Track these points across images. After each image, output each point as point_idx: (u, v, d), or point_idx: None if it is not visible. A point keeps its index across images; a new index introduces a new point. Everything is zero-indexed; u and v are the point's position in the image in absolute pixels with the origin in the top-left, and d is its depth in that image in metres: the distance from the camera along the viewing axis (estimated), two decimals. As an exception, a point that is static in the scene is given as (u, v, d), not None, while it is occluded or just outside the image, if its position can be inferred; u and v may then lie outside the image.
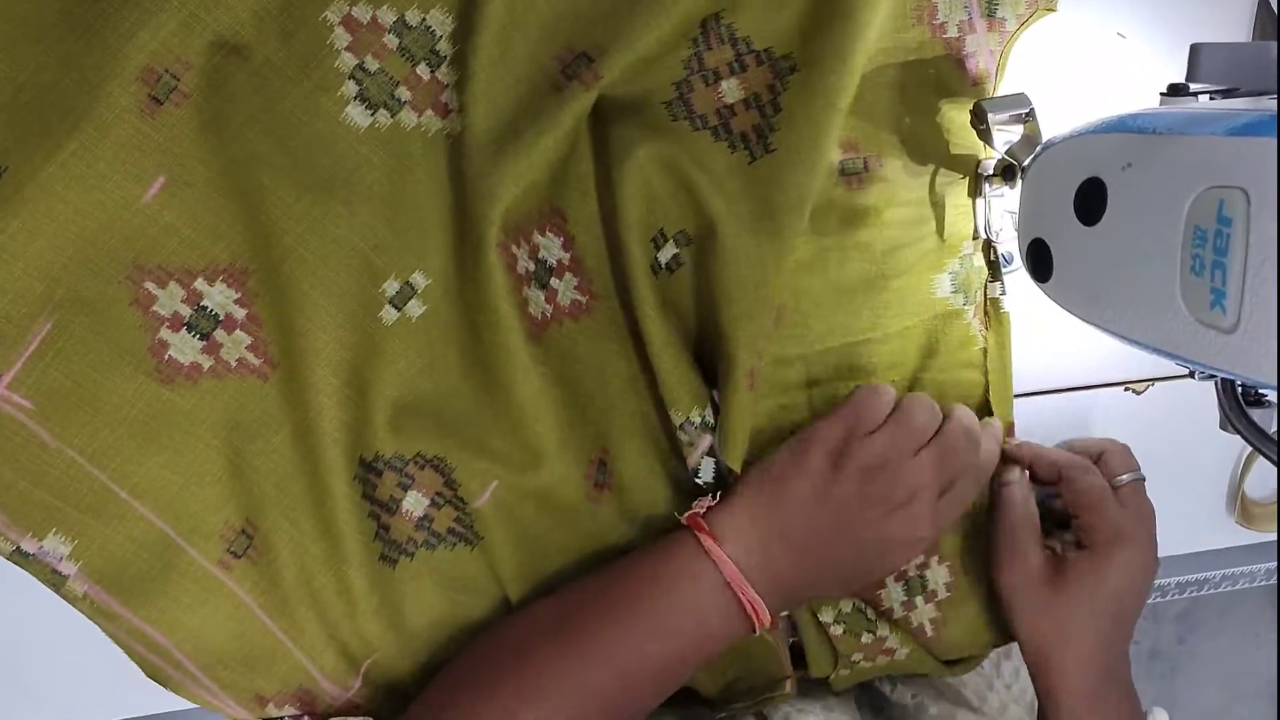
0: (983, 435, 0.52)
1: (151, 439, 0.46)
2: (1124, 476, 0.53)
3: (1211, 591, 0.68)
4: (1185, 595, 0.68)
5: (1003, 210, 0.53)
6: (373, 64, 0.46)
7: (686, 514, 0.50)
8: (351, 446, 0.48)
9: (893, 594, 0.56)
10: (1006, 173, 0.51)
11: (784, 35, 0.49)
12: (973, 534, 0.56)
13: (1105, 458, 0.54)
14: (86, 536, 0.46)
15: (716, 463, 0.51)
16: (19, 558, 0.45)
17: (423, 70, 0.47)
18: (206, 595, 0.48)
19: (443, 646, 0.52)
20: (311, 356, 0.47)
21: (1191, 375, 0.45)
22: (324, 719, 0.52)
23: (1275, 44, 0.42)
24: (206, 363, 0.46)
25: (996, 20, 0.51)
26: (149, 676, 0.49)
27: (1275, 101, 0.39)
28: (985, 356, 0.55)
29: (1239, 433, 0.43)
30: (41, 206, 0.42)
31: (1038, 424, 0.57)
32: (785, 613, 0.56)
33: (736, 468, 0.50)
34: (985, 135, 0.49)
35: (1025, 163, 0.48)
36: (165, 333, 0.45)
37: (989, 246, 0.54)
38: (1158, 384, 0.60)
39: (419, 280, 0.48)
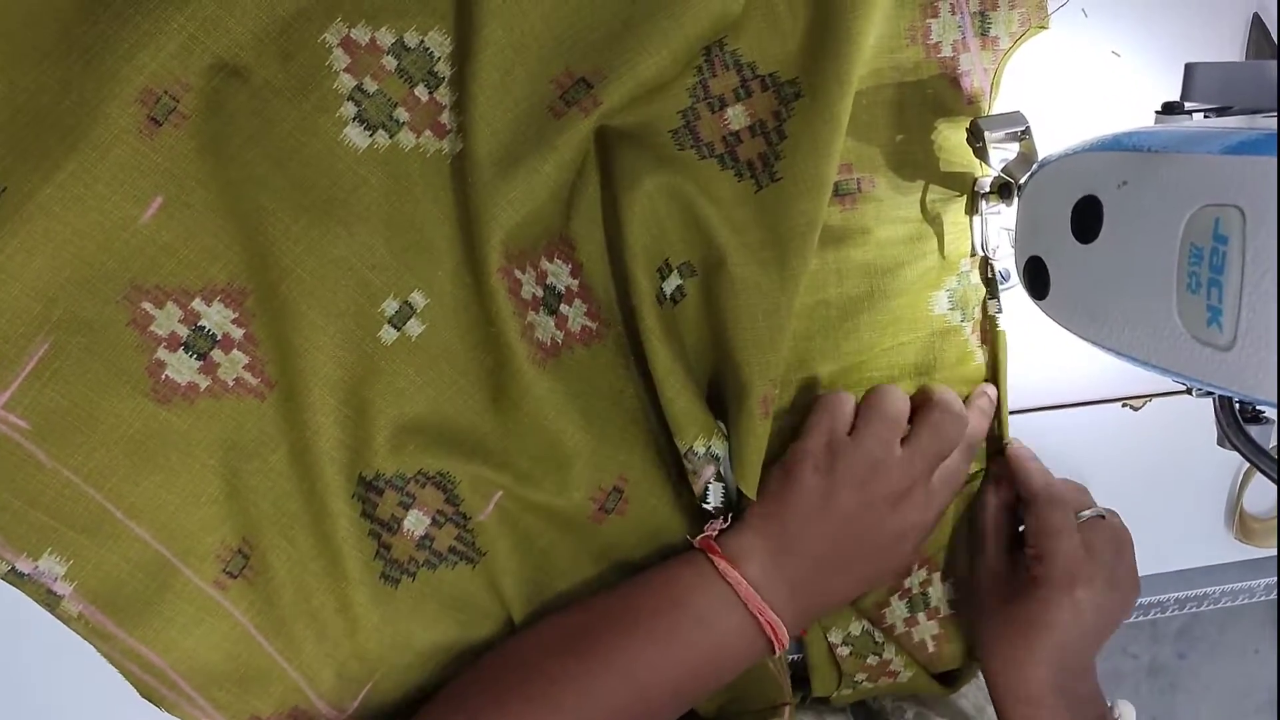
0: (971, 408, 0.53)
1: (148, 459, 0.46)
2: (1084, 514, 0.53)
3: (1211, 607, 0.68)
4: (1185, 611, 0.67)
5: (999, 228, 0.53)
6: (371, 85, 0.46)
7: (699, 537, 0.50)
8: (350, 465, 0.48)
9: (896, 610, 0.56)
10: (1003, 190, 0.51)
11: (788, 59, 0.49)
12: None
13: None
14: (82, 557, 0.45)
15: (725, 489, 0.51)
16: (14, 578, 0.45)
17: (421, 91, 0.47)
18: (202, 616, 0.47)
19: (446, 667, 0.51)
20: (309, 376, 0.46)
21: (1189, 392, 0.45)
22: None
23: (1269, 64, 0.43)
24: (204, 382, 0.46)
25: (990, 39, 0.52)
26: (143, 697, 0.48)
27: (1269, 120, 0.39)
28: (982, 373, 0.55)
29: (1237, 449, 0.43)
30: (40, 227, 0.42)
31: (1035, 441, 0.57)
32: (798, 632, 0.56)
33: (752, 495, 0.50)
34: (982, 153, 0.49)
35: (1021, 180, 0.48)
36: (162, 353, 0.45)
37: (986, 264, 0.54)
38: (1155, 400, 0.60)
39: (418, 300, 0.48)
